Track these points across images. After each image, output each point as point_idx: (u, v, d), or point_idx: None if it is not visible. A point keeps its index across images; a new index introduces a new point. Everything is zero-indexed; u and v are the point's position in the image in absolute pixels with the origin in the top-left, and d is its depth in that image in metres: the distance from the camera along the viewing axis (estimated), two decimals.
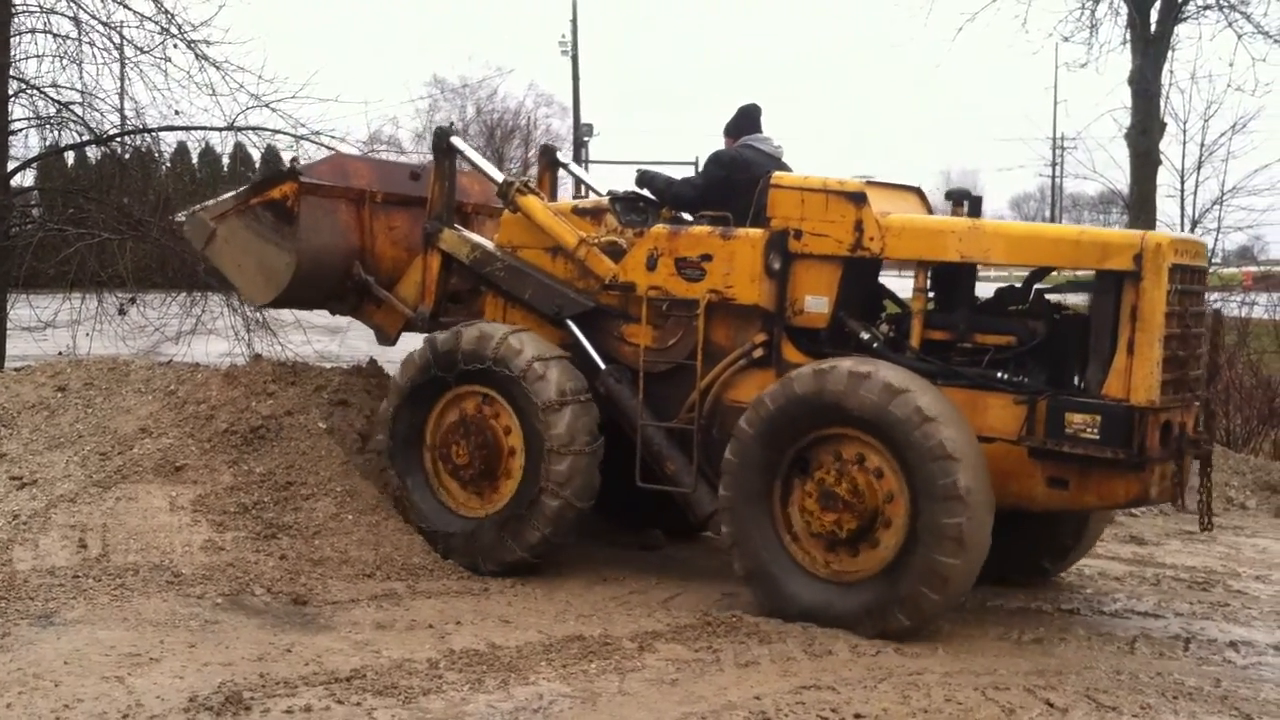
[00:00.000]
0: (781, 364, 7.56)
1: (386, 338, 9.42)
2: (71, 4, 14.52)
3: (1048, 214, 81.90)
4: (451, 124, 8.86)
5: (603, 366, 8.06)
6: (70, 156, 16.89)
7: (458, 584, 7.52)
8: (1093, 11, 17.87)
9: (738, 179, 7.97)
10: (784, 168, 8.17)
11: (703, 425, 7.74)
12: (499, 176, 8.79)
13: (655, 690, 5.84)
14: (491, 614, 6.99)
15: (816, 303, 7.58)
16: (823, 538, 7.01)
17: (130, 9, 14.49)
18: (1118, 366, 6.82)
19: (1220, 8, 17.56)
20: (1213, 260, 18.53)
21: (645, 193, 8.52)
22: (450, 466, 8.11)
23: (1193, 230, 16.94)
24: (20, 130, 15.39)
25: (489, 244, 8.71)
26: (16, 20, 14.79)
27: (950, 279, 7.55)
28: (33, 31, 14.76)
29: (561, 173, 10.59)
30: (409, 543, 7.87)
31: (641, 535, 8.85)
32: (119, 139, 15.44)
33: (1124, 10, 17.54)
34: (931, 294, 7.53)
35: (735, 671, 6.15)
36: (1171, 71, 17.37)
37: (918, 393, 6.76)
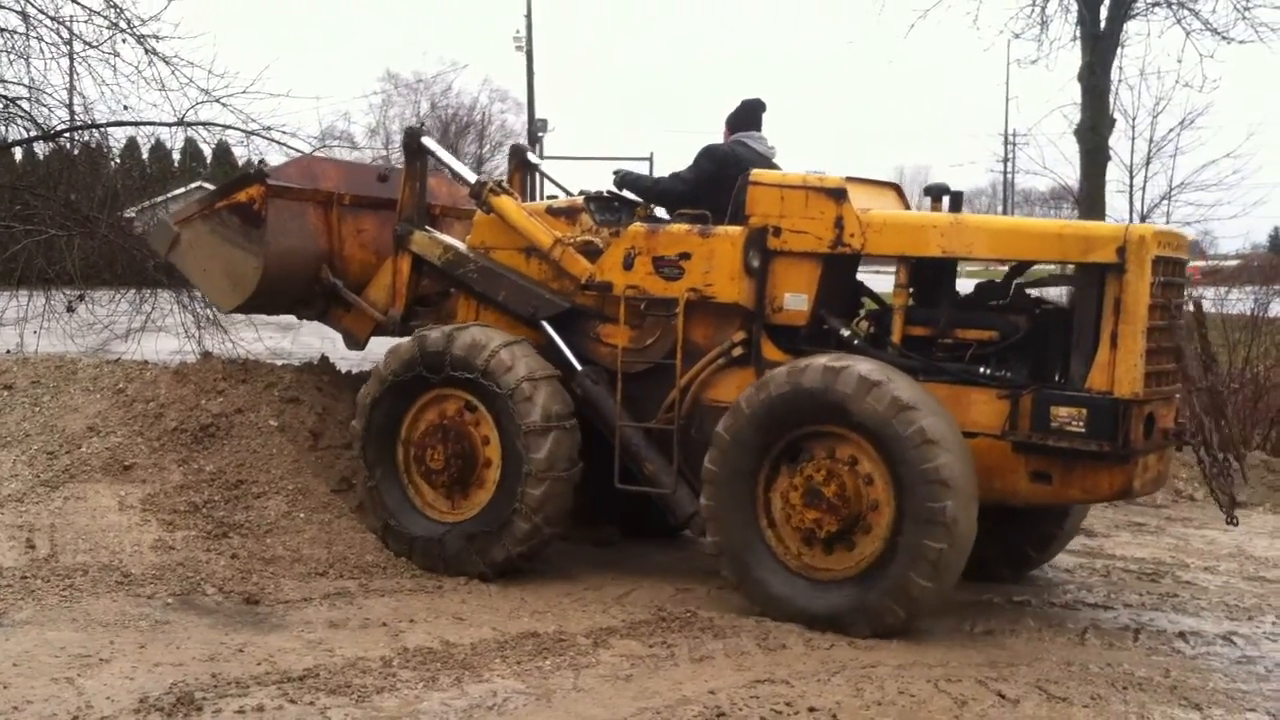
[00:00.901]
0: (761, 362, 7.52)
1: (356, 342, 9.26)
2: None
3: (1000, 209, 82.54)
4: (422, 124, 8.78)
5: (579, 368, 7.97)
6: (18, 152, 16.69)
7: (411, 582, 7.49)
8: (1043, 9, 18.03)
9: (728, 175, 7.86)
10: (773, 167, 8.14)
11: (682, 425, 7.67)
12: (471, 177, 8.69)
13: (610, 686, 5.84)
14: (445, 612, 6.97)
15: (796, 300, 7.54)
16: (802, 532, 6.97)
17: (79, 3, 14.31)
18: (1101, 359, 6.81)
19: (1169, 4, 17.77)
20: None
21: (623, 193, 8.46)
22: (423, 468, 7.97)
23: (1142, 224, 17.09)
24: None
25: (461, 245, 8.58)
26: None
27: (931, 275, 7.55)
28: None
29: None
30: (361, 541, 7.83)
31: (596, 531, 8.83)
32: (67, 134, 15.26)
33: (1074, 7, 17.72)
34: (912, 290, 7.51)
35: (690, 666, 6.16)
36: (1121, 68, 17.59)
37: (894, 383, 6.75)
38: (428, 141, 8.84)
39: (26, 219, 14.46)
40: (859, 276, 8.11)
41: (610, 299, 7.91)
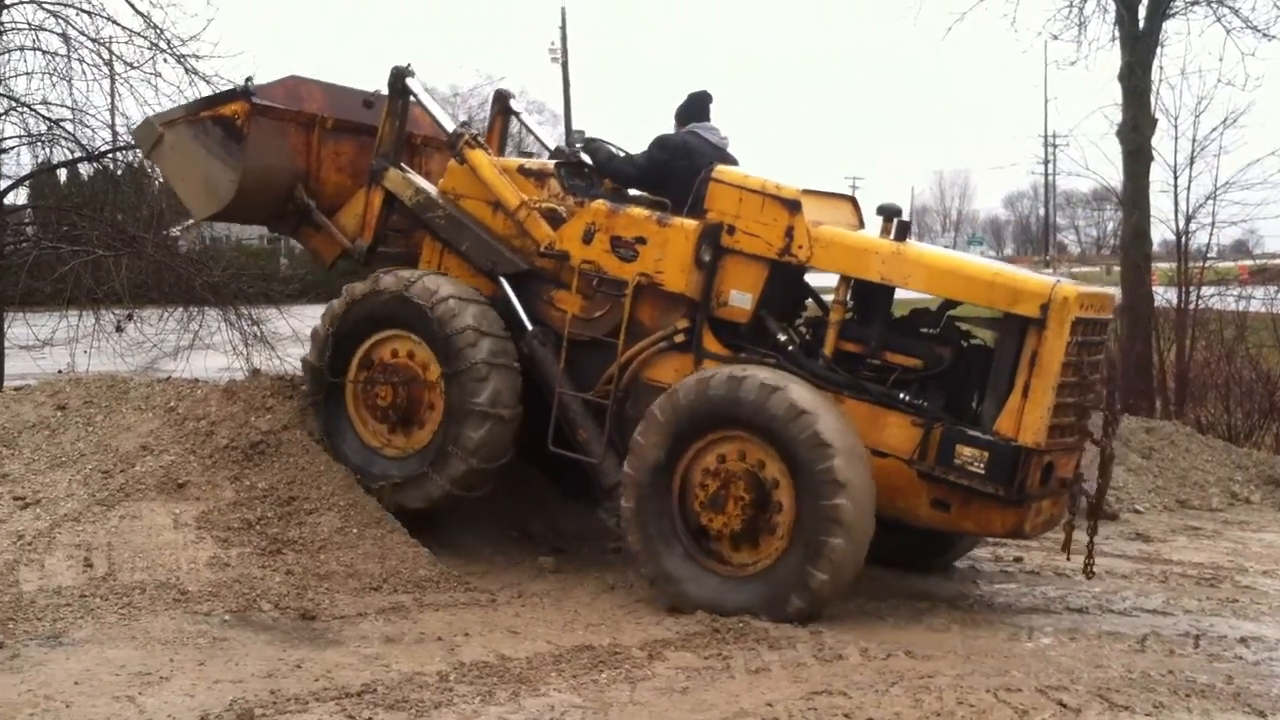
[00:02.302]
0: (701, 351, 7.82)
1: (322, 263, 9.65)
2: (60, 20, 14.52)
3: (1041, 212, 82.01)
4: (408, 65, 8.97)
5: (529, 327, 8.20)
6: (62, 173, 16.87)
7: (465, 596, 7.49)
8: (1080, 9, 17.83)
9: (678, 165, 8.11)
10: (727, 158, 8.33)
11: (619, 399, 7.94)
12: (449, 126, 8.93)
13: (666, 699, 5.81)
14: (499, 625, 6.97)
15: (741, 298, 7.81)
16: (711, 531, 7.26)
17: (119, 25, 14.50)
18: (1011, 406, 7.08)
19: (1208, 3, 17.52)
20: (1208, 255, 18.49)
21: (581, 153, 8.66)
22: (371, 404, 8.38)
23: (1187, 224, 16.89)
24: (11, 148, 15.38)
25: (432, 190, 8.85)
26: (5, 38, 14.78)
27: (870, 295, 7.76)
28: (21, 49, 14.75)
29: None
30: (415, 555, 7.83)
31: None
32: (111, 155, 15.41)
33: (1112, 7, 17.50)
34: (851, 306, 7.73)
35: (746, 678, 6.13)
36: (1161, 67, 17.27)
37: (792, 389, 7.05)
38: (412, 83, 9.06)
39: (74, 240, 14.62)
40: (815, 281, 8.40)
41: (566, 268, 8.18)
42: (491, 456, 8.06)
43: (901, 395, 7.37)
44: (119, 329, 14.57)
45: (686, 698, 5.84)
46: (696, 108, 8.57)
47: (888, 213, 7.80)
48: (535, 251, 8.31)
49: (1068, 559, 7.71)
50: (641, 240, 7.90)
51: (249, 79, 9.07)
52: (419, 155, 9.66)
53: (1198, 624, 7.38)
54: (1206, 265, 17.52)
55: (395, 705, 5.59)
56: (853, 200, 8.47)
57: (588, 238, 8.07)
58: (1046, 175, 66.25)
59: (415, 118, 9.59)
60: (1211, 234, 17.80)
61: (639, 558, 7.42)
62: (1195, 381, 15.99)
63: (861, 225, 8.28)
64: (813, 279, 8.35)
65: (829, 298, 7.93)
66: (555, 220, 8.30)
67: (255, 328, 14.38)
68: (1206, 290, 16.65)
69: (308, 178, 9.34)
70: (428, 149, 9.85)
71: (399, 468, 8.27)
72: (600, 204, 8.13)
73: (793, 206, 7.65)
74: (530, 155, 10.75)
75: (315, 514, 7.98)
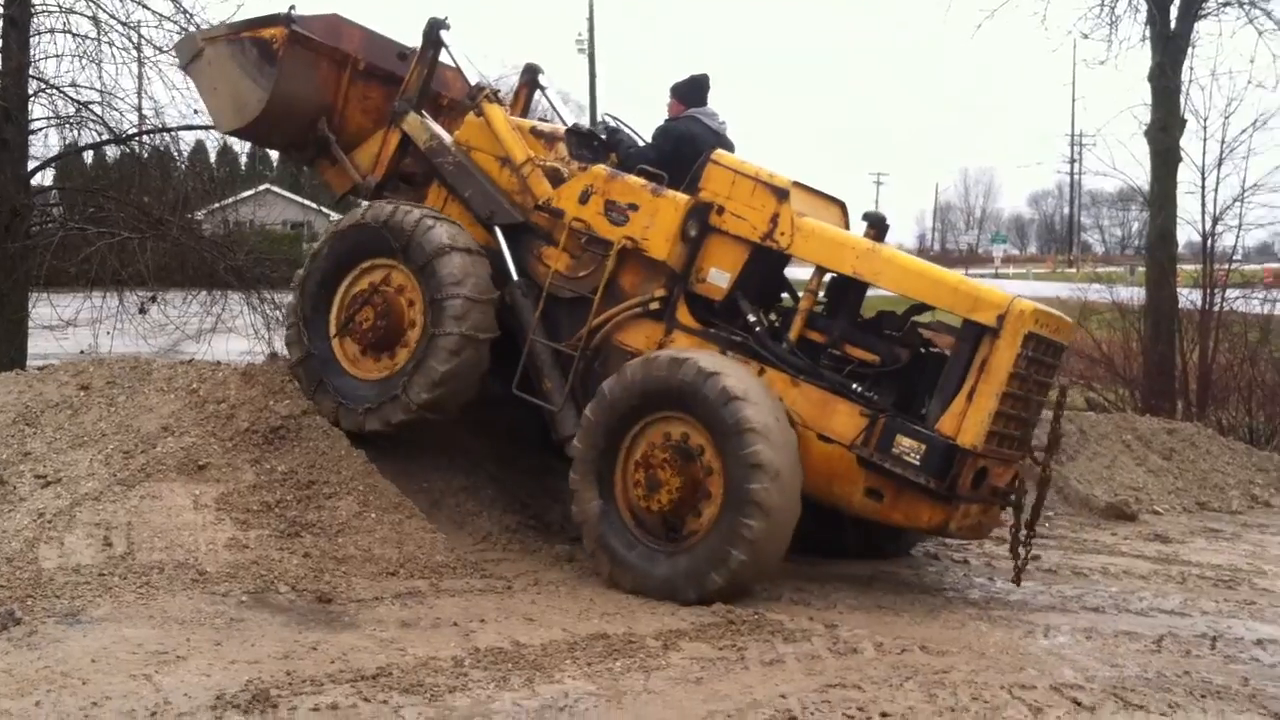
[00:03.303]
0: (673, 322, 8.10)
1: (332, 195, 10.11)
2: (90, 4, 14.63)
3: (1066, 211, 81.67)
4: (445, 18, 9.26)
5: (515, 278, 8.47)
6: (89, 156, 16.98)
7: (481, 582, 7.51)
8: (1112, 8, 17.78)
9: (683, 152, 8.38)
10: (725, 143, 8.63)
11: (586, 355, 8.25)
12: (475, 79, 9.27)
13: (680, 689, 5.82)
14: (515, 612, 6.98)
15: (719, 276, 8.07)
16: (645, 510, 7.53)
17: (149, 8, 14.59)
18: (955, 408, 7.33)
19: (1240, 4, 17.46)
20: (1234, 258, 18.42)
21: (603, 135, 8.91)
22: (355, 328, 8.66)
23: (1214, 226, 16.83)
24: (40, 130, 15.48)
25: (447, 137, 9.14)
26: (36, 20, 14.87)
27: (842, 290, 8.04)
28: (52, 31, 14.88)
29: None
30: (432, 541, 7.86)
31: None
32: (138, 138, 15.50)
33: (1143, 7, 17.45)
34: (822, 298, 8.06)
35: (760, 669, 6.13)
36: (1191, 68, 17.26)
37: (727, 375, 7.30)
38: (445, 35, 9.39)
39: (99, 221, 14.71)
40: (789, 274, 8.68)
41: (559, 225, 8.46)
42: (477, 328, 8.31)
43: (855, 386, 7.60)
44: (142, 310, 14.66)
45: (700, 688, 5.84)
46: (697, 92, 8.87)
47: (872, 219, 8.24)
48: (533, 207, 8.62)
49: (1016, 582, 7.88)
50: (634, 206, 8.23)
51: (292, 7, 9.37)
52: (443, 116, 9.85)
53: (1215, 625, 7.35)
54: (1232, 268, 17.46)
55: (410, 689, 5.61)
56: (842, 205, 8.73)
57: (584, 198, 8.39)
58: (1072, 174, 66.04)
59: (446, 80, 9.93)
60: (1238, 236, 17.76)
61: (581, 527, 7.73)
62: (1218, 384, 15.96)
63: (846, 229, 8.52)
64: (796, 276, 8.55)
65: None
66: (557, 180, 8.61)
67: (277, 312, 14.43)
68: (1231, 292, 16.60)
69: (332, 113, 9.65)
70: (453, 112, 10.01)
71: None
72: (601, 169, 8.47)
73: (781, 194, 7.93)
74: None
75: (334, 498, 8.01)
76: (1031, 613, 7.50)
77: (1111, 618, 7.46)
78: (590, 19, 48.03)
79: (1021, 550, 7.73)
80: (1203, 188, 16.76)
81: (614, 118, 9.16)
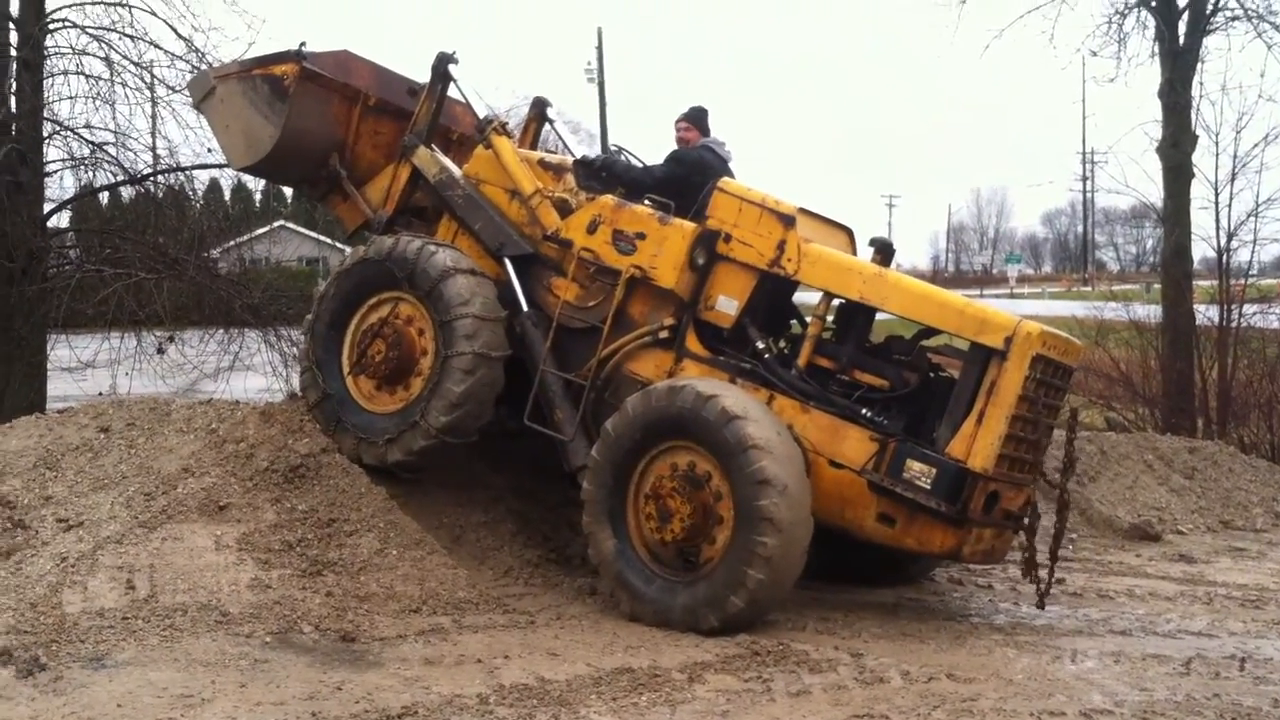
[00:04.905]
0: (683, 349, 8.14)
1: (344, 230, 10.17)
2: (103, 45, 14.71)
3: (1080, 229, 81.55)
4: (454, 52, 9.34)
5: (525, 309, 8.52)
6: (105, 197, 17.05)
7: (504, 618, 7.49)
8: (1120, 25, 17.78)
9: (695, 180, 8.42)
10: (730, 173, 8.69)
11: (597, 385, 8.26)
12: (483, 113, 9.35)
13: None
14: (539, 647, 6.96)
15: (728, 303, 8.12)
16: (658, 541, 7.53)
17: (161, 48, 14.68)
18: (965, 431, 7.33)
19: (1249, 19, 17.45)
20: (1250, 273, 18.34)
21: (598, 164, 8.94)
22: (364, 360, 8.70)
23: (1229, 241, 16.79)
24: (55, 172, 15.56)
25: (456, 171, 9.21)
26: (49, 62, 14.95)
27: (850, 316, 8.04)
28: (65, 73, 14.95)
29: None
30: (453, 577, 7.85)
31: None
32: (152, 178, 15.57)
33: (1151, 23, 17.45)
34: (831, 323, 8.07)
35: (787, 701, 6.10)
36: (1201, 83, 17.23)
37: (725, 396, 7.37)
38: (453, 70, 9.46)
39: (116, 262, 14.75)
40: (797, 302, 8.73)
41: (568, 255, 8.48)
42: (489, 346, 8.32)
43: (865, 411, 7.59)
44: (160, 351, 14.70)
45: None
46: (703, 122, 8.97)
47: (879, 245, 8.25)
48: (542, 237, 8.66)
49: (1041, 607, 7.86)
50: (641, 235, 8.27)
51: (303, 43, 9.47)
52: (452, 150, 9.93)
53: (1243, 646, 7.30)
54: (1248, 283, 17.39)
55: None
56: (849, 231, 8.75)
57: (592, 228, 8.44)
58: (1085, 192, 66.00)
59: (455, 115, 10.00)
60: (1253, 251, 17.70)
61: (600, 567, 7.75)
62: (1238, 400, 15.88)
63: (854, 254, 8.53)
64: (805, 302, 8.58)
65: None
66: (565, 211, 8.66)
67: (294, 349, 14.45)
68: (1248, 308, 16.53)
69: (344, 148, 9.73)
70: (463, 147, 10.07)
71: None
72: (608, 199, 8.52)
73: (788, 221, 7.97)
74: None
75: (355, 535, 8.01)
76: (1058, 637, 7.45)
77: (1139, 640, 7.41)
78: (599, 48, 48.14)
79: (1044, 574, 7.68)
80: (1216, 203, 16.75)
81: (619, 148, 9.24)
